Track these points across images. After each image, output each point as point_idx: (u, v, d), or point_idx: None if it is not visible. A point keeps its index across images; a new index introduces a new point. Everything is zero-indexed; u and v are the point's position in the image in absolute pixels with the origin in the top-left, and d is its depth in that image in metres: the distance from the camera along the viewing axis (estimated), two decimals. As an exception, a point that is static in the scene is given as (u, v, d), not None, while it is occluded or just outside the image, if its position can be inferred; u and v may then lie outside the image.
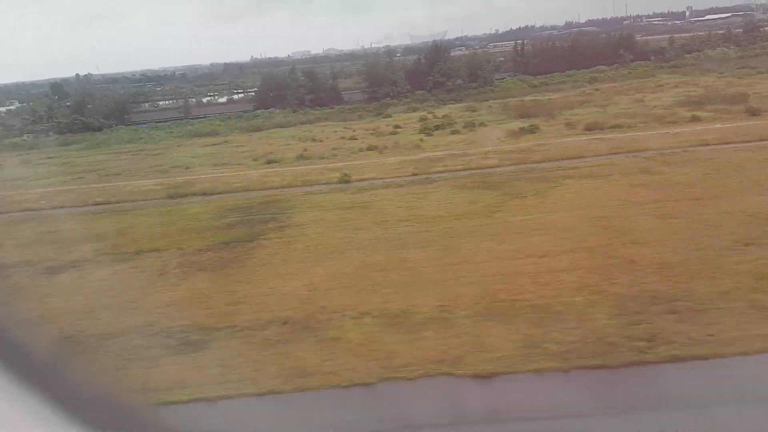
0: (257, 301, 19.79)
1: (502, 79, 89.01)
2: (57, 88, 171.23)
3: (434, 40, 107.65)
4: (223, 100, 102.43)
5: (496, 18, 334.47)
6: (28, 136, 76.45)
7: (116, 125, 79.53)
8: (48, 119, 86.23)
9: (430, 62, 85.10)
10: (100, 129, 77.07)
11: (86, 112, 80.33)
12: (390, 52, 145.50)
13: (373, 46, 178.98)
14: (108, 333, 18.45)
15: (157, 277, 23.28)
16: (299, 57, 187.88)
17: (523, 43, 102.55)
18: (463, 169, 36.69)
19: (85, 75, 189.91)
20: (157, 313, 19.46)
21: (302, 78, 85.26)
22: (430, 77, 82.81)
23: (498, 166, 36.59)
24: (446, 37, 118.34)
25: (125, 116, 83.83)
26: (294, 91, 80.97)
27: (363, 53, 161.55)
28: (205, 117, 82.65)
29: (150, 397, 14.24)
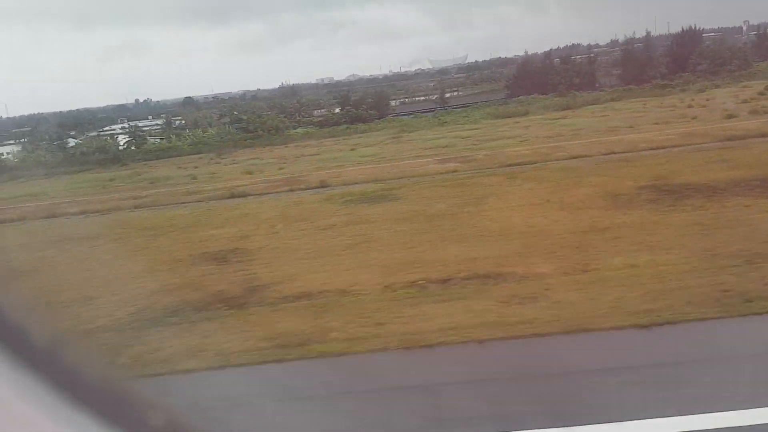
0: None
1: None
2: (188, 102, 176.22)
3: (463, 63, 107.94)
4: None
5: (523, 40, 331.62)
6: (308, 127, 77.36)
7: (380, 117, 79.92)
8: (299, 115, 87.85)
9: (686, 48, 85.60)
10: (370, 120, 77.50)
11: (353, 106, 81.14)
12: (444, 71, 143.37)
13: (403, 70, 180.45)
14: None
15: None
16: (326, 83, 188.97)
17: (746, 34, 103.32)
18: None
19: (145, 100, 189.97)
20: None
21: (560, 66, 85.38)
22: (690, 61, 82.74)
23: None
24: (467, 61, 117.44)
25: (389, 108, 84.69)
26: (560, 77, 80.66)
27: (395, 77, 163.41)
28: (464, 106, 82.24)
29: None
